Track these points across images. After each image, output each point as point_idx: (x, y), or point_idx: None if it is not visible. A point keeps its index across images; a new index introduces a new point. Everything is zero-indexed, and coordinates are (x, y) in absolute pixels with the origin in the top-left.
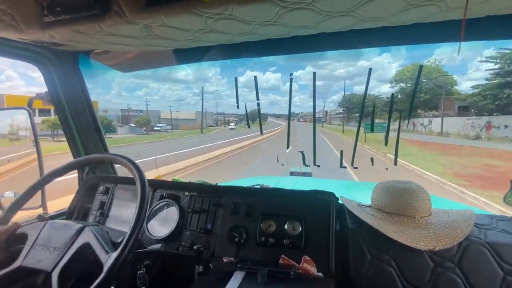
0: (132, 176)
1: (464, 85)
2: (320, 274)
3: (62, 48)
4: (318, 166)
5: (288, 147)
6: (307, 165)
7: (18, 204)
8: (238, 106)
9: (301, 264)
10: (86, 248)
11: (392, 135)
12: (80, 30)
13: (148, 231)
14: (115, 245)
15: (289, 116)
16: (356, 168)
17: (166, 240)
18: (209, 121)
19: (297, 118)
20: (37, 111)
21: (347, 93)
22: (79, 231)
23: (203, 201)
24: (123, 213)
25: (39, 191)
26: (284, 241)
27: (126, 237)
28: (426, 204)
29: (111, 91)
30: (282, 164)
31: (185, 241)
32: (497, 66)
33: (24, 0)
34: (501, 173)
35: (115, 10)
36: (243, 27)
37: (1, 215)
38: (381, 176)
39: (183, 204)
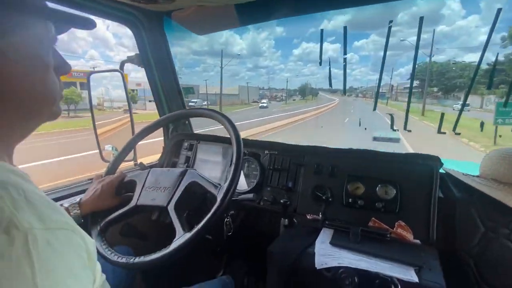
0: (211, 134)
1: None
2: (417, 241)
3: (149, 8)
4: (410, 131)
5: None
6: (395, 130)
7: (120, 157)
8: (320, 63)
9: (394, 229)
10: (194, 185)
11: None
12: None
13: None
14: (215, 186)
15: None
16: None
17: (248, 194)
18: (254, 96)
19: (355, 93)
20: None
21: (421, 62)
22: (183, 173)
23: (283, 160)
24: (206, 167)
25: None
26: (376, 204)
27: (232, 172)
28: None
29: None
30: (365, 128)
31: (267, 196)
32: None
33: None
34: None
35: None
36: None
37: (109, 167)
38: None
39: (263, 162)
